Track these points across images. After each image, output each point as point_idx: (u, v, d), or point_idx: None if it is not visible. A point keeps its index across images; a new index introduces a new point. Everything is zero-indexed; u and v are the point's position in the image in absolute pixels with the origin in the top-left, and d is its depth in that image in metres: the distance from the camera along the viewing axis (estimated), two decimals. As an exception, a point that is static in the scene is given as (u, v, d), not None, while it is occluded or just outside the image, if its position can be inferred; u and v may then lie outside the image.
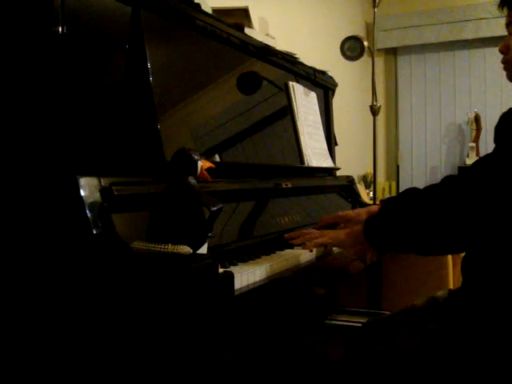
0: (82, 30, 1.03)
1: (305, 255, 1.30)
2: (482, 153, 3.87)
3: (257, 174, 1.53)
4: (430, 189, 1.12)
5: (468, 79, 4.09)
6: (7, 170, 0.98)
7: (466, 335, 1.10)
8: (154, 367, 0.84)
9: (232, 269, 1.04)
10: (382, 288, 2.39)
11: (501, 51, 1.25)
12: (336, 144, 2.31)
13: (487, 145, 3.95)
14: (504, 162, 1.02)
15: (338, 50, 2.52)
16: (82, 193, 0.87)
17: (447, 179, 1.12)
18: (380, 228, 1.17)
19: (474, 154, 3.93)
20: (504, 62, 1.25)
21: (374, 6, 2.68)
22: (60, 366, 0.89)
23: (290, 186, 1.61)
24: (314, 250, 1.37)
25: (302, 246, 1.34)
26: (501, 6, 1.22)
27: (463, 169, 1.13)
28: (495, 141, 1.10)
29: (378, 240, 1.18)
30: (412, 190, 1.17)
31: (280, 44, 1.94)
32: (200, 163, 0.93)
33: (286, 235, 1.38)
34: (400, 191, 2.31)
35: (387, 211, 1.17)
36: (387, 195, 3.70)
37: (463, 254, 1.25)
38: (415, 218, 1.10)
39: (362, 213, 1.43)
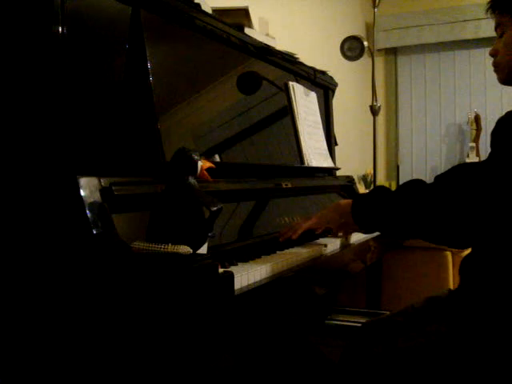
0: (82, 30, 1.03)
1: (305, 255, 1.30)
2: (482, 153, 3.87)
3: (257, 174, 1.53)
4: (418, 181, 1.17)
5: (468, 79, 4.08)
6: (7, 170, 0.98)
7: (465, 335, 1.11)
8: (154, 367, 0.84)
9: (232, 269, 1.04)
10: (381, 288, 2.39)
11: (491, 54, 1.26)
12: (336, 144, 2.31)
13: (487, 145, 3.93)
14: (498, 168, 1.05)
15: (338, 50, 2.52)
16: (82, 193, 0.87)
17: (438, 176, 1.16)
18: (367, 205, 1.22)
19: (474, 154, 3.92)
20: (494, 65, 1.26)
21: (374, 6, 2.68)
22: (60, 365, 0.89)
23: (290, 186, 1.61)
24: (330, 245, 1.43)
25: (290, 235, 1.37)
26: (489, 10, 1.24)
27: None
28: (491, 146, 1.11)
29: (363, 216, 1.24)
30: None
31: (280, 44, 1.94)
32: (200, 163, 0.93)
33: (280, 239, 1.38)
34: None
35: (377, 191, 1.22)
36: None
37: (464, 254, 1.25)
38: (400, 198, 1.16)
39: None
